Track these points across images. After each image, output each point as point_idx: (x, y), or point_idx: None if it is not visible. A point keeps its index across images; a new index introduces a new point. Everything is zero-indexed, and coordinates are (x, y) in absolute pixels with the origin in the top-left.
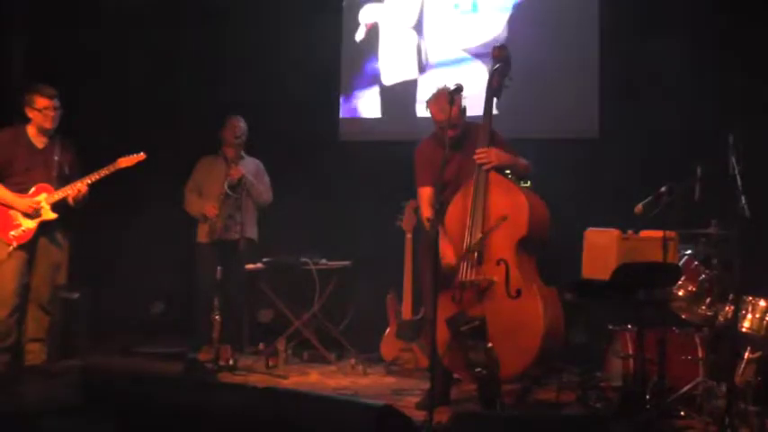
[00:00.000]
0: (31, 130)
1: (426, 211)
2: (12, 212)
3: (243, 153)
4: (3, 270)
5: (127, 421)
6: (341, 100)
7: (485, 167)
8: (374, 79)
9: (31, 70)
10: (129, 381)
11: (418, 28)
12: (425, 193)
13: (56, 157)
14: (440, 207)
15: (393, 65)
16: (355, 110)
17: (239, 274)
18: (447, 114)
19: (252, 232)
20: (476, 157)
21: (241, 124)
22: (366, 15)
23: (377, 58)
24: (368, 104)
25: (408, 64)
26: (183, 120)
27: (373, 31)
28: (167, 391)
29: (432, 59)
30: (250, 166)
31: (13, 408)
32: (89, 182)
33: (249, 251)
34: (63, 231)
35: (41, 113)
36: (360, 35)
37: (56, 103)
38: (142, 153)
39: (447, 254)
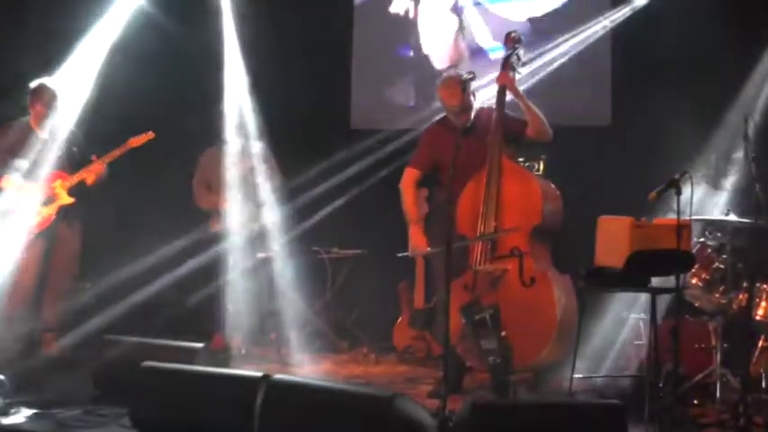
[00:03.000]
0: (33, 123)
1: (407, 191)
2: (30, 202)
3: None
4: (22, 261)
5: (140, 410)
6: (353, 88)
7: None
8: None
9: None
10: (142, 370)
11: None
12: (412, 174)
13: (64, 144)
14: (449, 194)
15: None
16: (371, 98)
17: (251, 263)
18: (457, 100)
19: (263, 221)
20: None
21: (238, 112)
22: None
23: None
24: (387, 93)
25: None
26: (196, 106)
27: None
28: (179, 380)
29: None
30: (257, 153)
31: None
32: (103, 162)
33: (262, 240)
34: (80, 218)
35: (40, 117)
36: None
37: (54, 110)
38: (151, 132)
39: (418, 243)
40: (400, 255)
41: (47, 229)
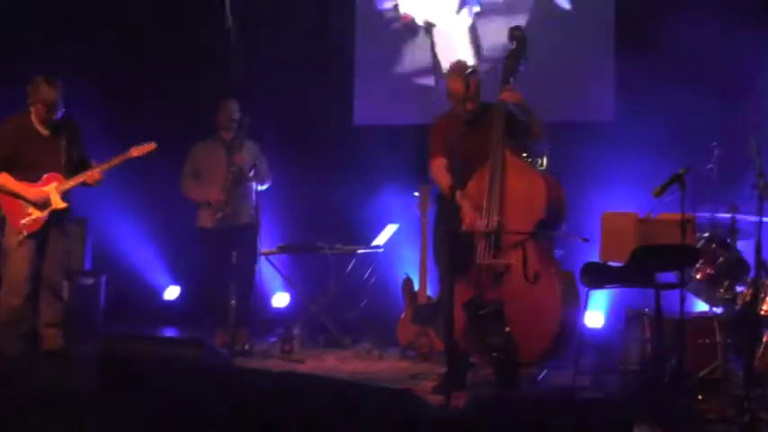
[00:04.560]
0: (35, 119)
1: (444, 180)
2: (22, 201)
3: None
4: (14, 258)
5: (143, 407)
6: (356, 84)
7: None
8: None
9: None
10: (146, 366)
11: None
12: (439, 162)
13: (63, 145)
14: (456, 188)
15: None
16: (374, 94)
17: (253, 258)
18: (462, 86)
19: (254, 216)
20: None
21: (235, 107)
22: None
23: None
24: (390, 89)
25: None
26: (194, 102)
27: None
28: (183, 377)
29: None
30: (252, 150)
31: (29, 393)
32: (101, 170)
33: (252, 234)
34: (75, 220)
35: (41, 113)
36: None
37: (56, 103)
38: (153, 143)
39: (470, 216)
40: (460, 232)
41: (37, 231)
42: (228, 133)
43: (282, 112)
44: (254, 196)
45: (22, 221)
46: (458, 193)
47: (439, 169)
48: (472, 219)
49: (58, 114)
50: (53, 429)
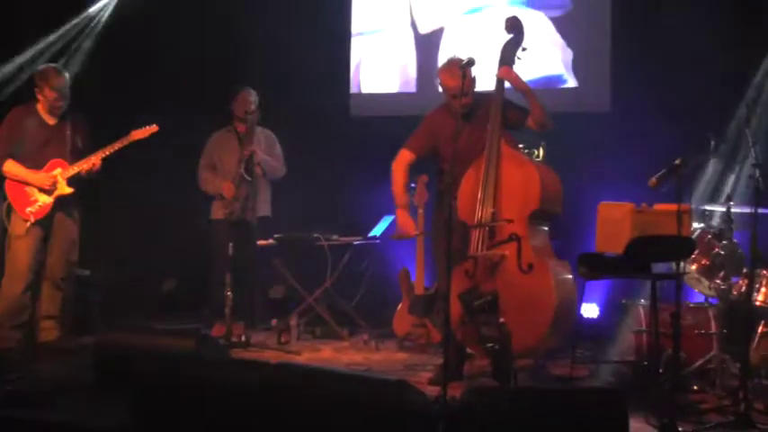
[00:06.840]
0: (41, 108)
1: (398, 172)
2: (28, 189)
3: (255, 126)
4: (19, 246)
5: (140, 398)
6: (352, 75)
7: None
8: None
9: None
10: (142, 357)
11: None
12: (405, 156)
13: (68, 133)
14: (451, 180)
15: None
16: (370, 85)
17: (252, 250)
18: (456, 82)
19: (266, 209)
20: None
21: (252, 98)
22: None
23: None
24: (386, 80)
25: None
26: (195, 94)
27: None
28: (180, 368)
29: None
30: (262, 140)
31: (26, 384)
32: (103, 155)
33: (264, 229)
34: (78, 207)
35: (49, 102)
36: None
37: (64, 93)
38: (155, 125)
39: (407, 226)
40: (392, 237)
41: (44, 217)
42: (242, 125)
43: (279, 104)
44: (265, 190)
45: (29, 209)
46: (400, 203)
47: (400, 166)
48: (404, 228)
49: (65, 104)
50: (51, 422)
